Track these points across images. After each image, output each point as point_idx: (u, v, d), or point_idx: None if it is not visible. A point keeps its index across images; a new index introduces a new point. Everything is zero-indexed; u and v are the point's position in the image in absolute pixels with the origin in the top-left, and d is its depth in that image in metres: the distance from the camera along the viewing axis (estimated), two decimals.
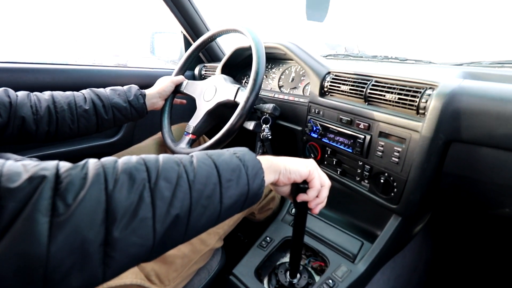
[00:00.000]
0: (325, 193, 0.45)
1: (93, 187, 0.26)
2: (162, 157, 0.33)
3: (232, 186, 0.34)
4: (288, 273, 0.62)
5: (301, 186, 0.43)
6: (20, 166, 0.25)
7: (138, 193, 0.28)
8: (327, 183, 0.45)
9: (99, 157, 0.30)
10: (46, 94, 0.63)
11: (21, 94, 0.59)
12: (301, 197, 0.44)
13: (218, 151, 0.38)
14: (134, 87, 0.74)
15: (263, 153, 0.87)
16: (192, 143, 0.73)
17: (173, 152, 0.72)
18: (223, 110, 0.73)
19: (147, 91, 0.76)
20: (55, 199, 0.24)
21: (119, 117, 0.70)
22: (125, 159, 0.30)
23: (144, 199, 0.28)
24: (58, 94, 0.64)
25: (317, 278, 0.65)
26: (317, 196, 0.44)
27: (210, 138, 0.66)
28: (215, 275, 0.69)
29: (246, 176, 0.36)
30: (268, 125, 0.74)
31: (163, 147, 0.85)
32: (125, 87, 0.74)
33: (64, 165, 0.27)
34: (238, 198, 0.35)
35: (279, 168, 0.41)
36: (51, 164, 0.27)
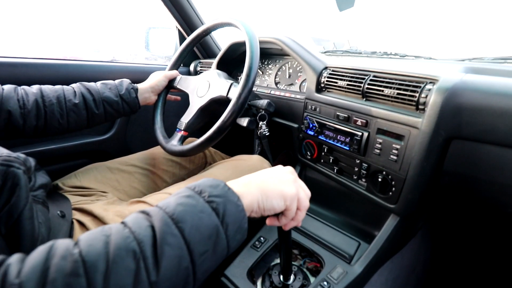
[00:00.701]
0: (300, 216, 0.40)
1: None
2: (113, 243, 0.24)
3: (208, 258, 0.28)
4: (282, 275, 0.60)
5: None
6: None
7: None
8: (304, 207, 0.40)
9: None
10: (34, 88, 0.61)
11: (8, 87, 0.58)
12: (271, 221, 0.41)
13: (187, 202, 0.29)
14: (126, 81, 0.72)
15: (261, 151, 0.85)
16: (184, 140, 0.71)
17: (164, 149, 0.70)
18: (216, 106, 0.71)
19: (139, 85, 0.74)
20: None
21: (110, 112, 0.68)
22: (57, 263, 0.22)
23: None
24: (47, 87, 0.63)
25: (312, 279, 0.62)
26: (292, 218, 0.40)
27: (203, 134, 0.64)
28: (206, 276, 0.67)
29: (226, 238, 0.29)
30: (265, 122, 0.72)
31: (153, 161, 0.80)
32: (117, 81, 0.72)
33: None
34: (215, 264, 0.30)
35: (252, 207, 0.35)
36: None
